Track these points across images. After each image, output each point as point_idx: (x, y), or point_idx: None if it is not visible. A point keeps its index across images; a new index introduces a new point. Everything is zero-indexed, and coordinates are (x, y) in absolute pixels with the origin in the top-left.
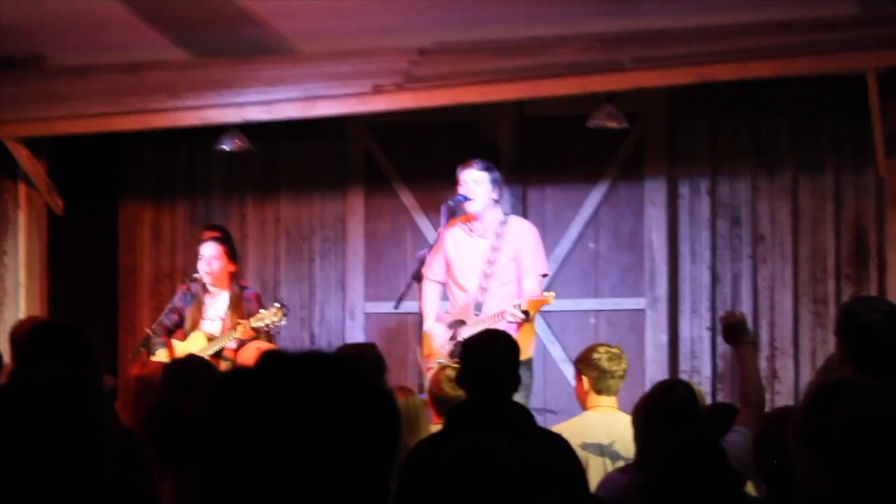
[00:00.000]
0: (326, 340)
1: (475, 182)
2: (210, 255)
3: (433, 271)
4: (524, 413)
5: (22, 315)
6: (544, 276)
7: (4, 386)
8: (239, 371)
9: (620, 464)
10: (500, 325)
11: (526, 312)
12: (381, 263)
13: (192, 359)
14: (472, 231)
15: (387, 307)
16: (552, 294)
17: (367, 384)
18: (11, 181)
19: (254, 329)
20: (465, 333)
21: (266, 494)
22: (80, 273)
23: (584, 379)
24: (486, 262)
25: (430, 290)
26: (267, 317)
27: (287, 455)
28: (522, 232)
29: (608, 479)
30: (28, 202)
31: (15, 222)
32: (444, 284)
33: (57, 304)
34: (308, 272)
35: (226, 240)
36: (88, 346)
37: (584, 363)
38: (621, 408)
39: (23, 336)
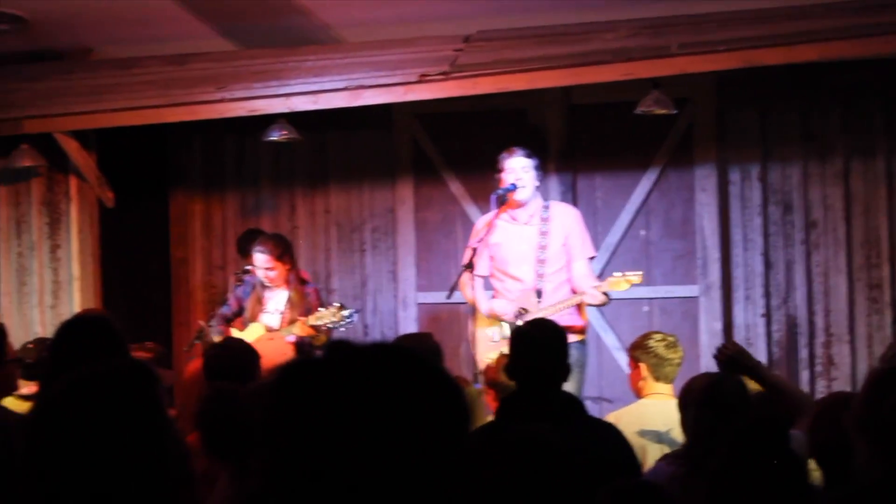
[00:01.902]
0: (380, 331)
1: (523, 169)
2: (262, 265)
3: (480, 268)
4: (575, 402)
5: (76, 308)
6: (593, 258)
7: (65, 381)
8: (307, 361)
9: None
10: (563, 312)
11: (607, 294)
12: (432, 253)
13: (231, 343)
14: (515, 220)
15: (438, 297)
16: (640, 273)
17: (436, 374)
18: (62, 174)
19: (312, 327)
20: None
21: (336, 486)
22: (132, 266)
23: (642, 366)
24: (538, 249)
25: (465, 280)
26: (325, 316)
27: (358, 446)
28: (568, 217)
29: (655, 470)
30: (79, 195)
31: (67, 215)
32: (485, 279)
33: (110, 296)
34: (359, 262)
35: (272, 245)
36: (119, 338)
37: (641, 350)
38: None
39: (56, 331)
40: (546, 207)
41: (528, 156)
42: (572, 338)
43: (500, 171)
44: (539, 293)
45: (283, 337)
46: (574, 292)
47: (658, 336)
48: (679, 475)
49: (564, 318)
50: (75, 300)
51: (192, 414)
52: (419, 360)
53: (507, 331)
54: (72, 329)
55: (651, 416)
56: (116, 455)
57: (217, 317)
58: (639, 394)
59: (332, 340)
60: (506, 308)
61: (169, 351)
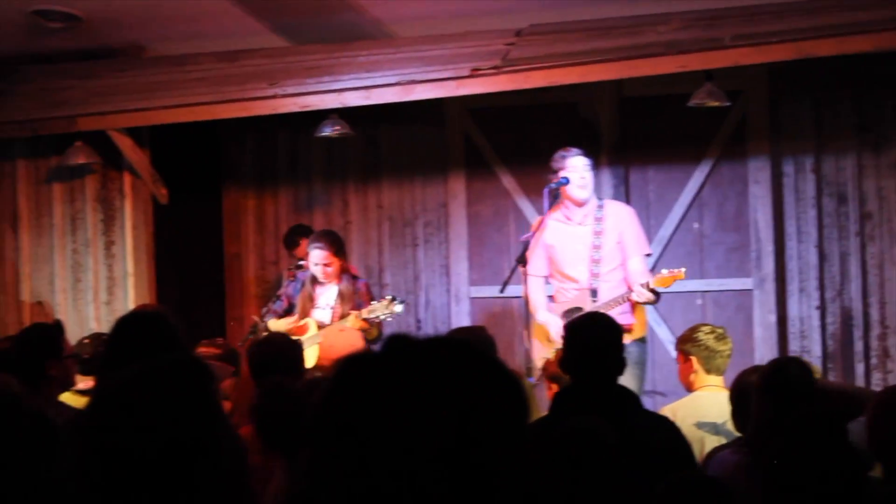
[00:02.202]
0: (432, 325)
1: (585, 167)
2: (320, 261)
3: (536, 267)
4: (629, 396)
5: (131, 304)
6: (648, 255)
7: (121, 376)
8: (365, 356)
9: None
10: (616, 310)
11: (654, 291)
12: (485, 247)
13: (274, 338)
14: (569, 219)
15: (491, 291)
16: (683, 269)
17: (497, 367)
18: (116, 171)
19: (364, 320)
20: None
21: (397, 480)
22: (185, 261)
23: (693, 360)
24: (593, 249)
25: (534, 284)
26: (378, 309)
27: (418, 440)
28: (622, 214)
29: (718, 460)
30: (133, 192)
31: (121, 212)
32: (545, 278)
33: (164, 292)
34: (412, 257)
35: (329, 241)
36: (175, 333)
37: (691, 344)
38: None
39: (112, 327)
40: (600, 206)
41: (585, 154)
42: (627, 336)
43: (556, 170)
44: (594, 293)
45: (355, 329)
46: (630, 290)
47: (707, 328)
48: (744, 463)
49: (618, 317)
50: (130, 296)
51: (248, 408)
52: (479, 354)
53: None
54: (128, 325)
55: (707, 408)
56: (171, 450)
57: (270, 313)
58: (690, 387)
59: (391, 335)
60: (555, 325)
61: None
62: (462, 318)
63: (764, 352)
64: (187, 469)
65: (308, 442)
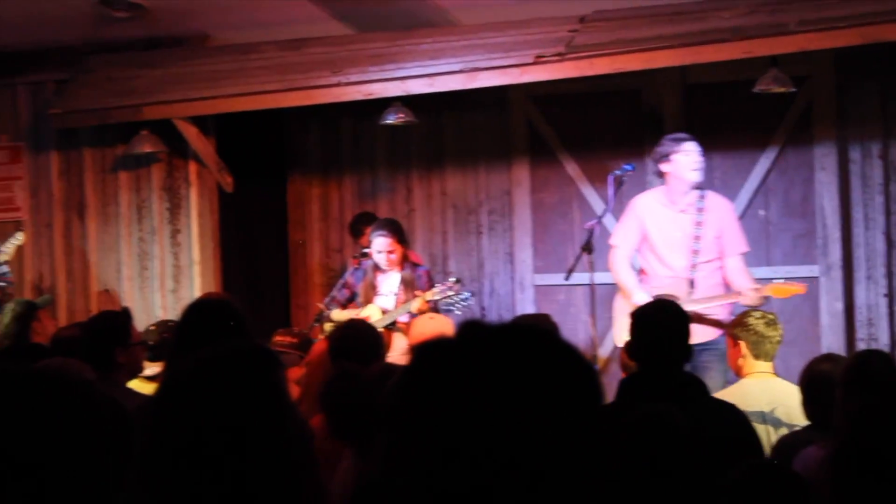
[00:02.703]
0: (496, 313)
1: (698, 151)
2: (384, 248)
3: (626, 241)
4: (696, 383)
5: (197, 292)
6: (744, 253)
7: (188, 363)
8: (441, 343)
9: (783, 430)
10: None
11: (766, 298)
12: (549, 235)
13: (355, 324)
14: (673, 204)
15: (556, 279)
16: (805, 285)
17: (571, 354)
18: (182, 160)
19: (429, 303)
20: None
21: (474, 467)
22: (250, 249)
23: (742, 344)
24: (693, 239)
25: (623, 260)
26: (444, 290)
27: (494, 427)
28: (725, 209)
29: (803, 457)
30: (199, 180)
31: (187, 200)
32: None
33: (230, 280)
34: (476, 245)
35: (392, 229)
36: (242, 320)
37: (740, 328)
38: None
39: (181, 314)
40: (702, 197)
41: (695, 140)
42: (715, 331)
43: (667, 154)
44: (691, 283)
45: (444, 315)
46: (727, 286)
47: (757, 314)
48: (830, 458)
49: (718, 313)
50: (195, 284)
51: (316, 395)
52: (554, 339)
53: None
54: (196, 312)
55: (754, 396)
56: (237, 436)
57: (333, 302)
58: (738, 372)
59: (465, 321)
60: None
61: None
62: (526, 305)
63: (831, 340)
64: (252, 455)
65: (384, 428)
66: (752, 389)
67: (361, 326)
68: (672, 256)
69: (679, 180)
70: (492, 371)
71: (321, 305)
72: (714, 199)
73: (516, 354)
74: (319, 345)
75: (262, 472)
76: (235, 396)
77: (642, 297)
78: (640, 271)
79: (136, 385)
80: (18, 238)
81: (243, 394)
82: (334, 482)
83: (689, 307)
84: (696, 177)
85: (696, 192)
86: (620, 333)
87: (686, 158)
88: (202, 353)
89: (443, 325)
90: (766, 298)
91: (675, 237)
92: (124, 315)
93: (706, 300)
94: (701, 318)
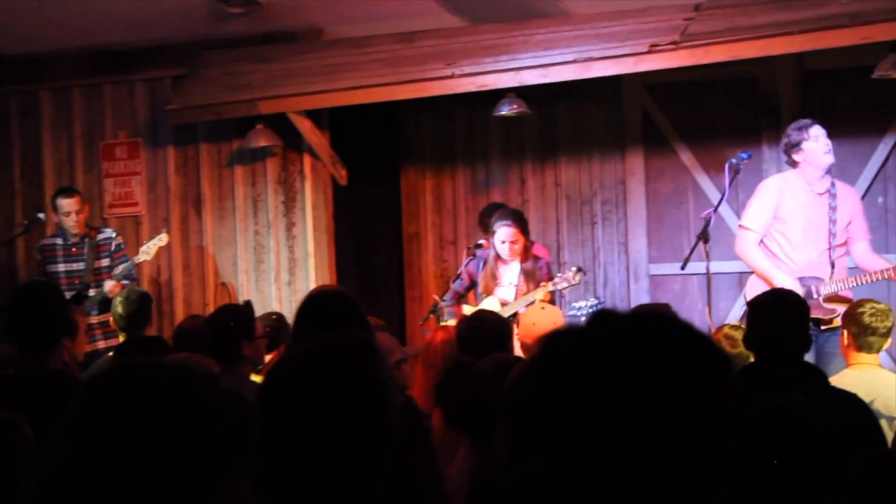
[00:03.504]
0: (611, 303)
1: (825, 135)
2: (508, 238)
3: (759, 223)
4: (816, 373)
5: (312, 285)
6: (869, 240)
7: (291, 353)
8: (573, 331)
9: (882, 423)
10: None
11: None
12: (664, 224)
13: (484, 315)
14: (811, 187)
15: (671, 268)
16: None
17: (703, 340)
18: (297, 153)
19: (551, 294)
20: (826, 290)
21: (605, 449)
22: (364, 242)
23: (845, 333)
24: (831, 223)
25: (755, 244)
26: (564, 281)
27: (630, 415)
28: (855, 196)
29: None
30: (313, 173)
31: (302, 193)
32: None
33: (344, 272)
34: (591, 235)
35: (516, 219)
36: (358, 312)
37: (848, 318)
38: None
39: (298, 306)
40: (833, 183)
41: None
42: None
43: (797, 141)
44: (831, 266)
45: (555, 306)
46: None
47: (868, 304)
48: None
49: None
50: (311, 277)
51: (432, 387)
52: (686, 327)
53: None
54: (312, 303)
55: (852, 387)
56: (339, 425)
57: (450, 293)
58: (847, 361)
59: (597, 310)
60: (794, 283)
61: (402, 325)
62: (641, 295)
63: None
64: (353, 444)
65: (507, 418)
66: (850, 380)
67: (490, 317)
68: (809, 239)
69: (813, 166)
70: (627, 358)
71: (437, 297)
72: (843, 187)
73: (650, 341)
74: (434, 335)
75: (364, 458)
76: (336, 384)
77: (785, 280)
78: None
79: (258, 378)
80: (162, 239)
81: (344, 382)
82: (450, 472)
83: (831, 288)
84: (829, 159)
85: (828, 178)
86: None
87: (815, 144)
88: (303, 344)
89: (554, 315)
90: None
91: (813, 219)
92: (248, 308)
93: (850, 280)
94: (842, 301)
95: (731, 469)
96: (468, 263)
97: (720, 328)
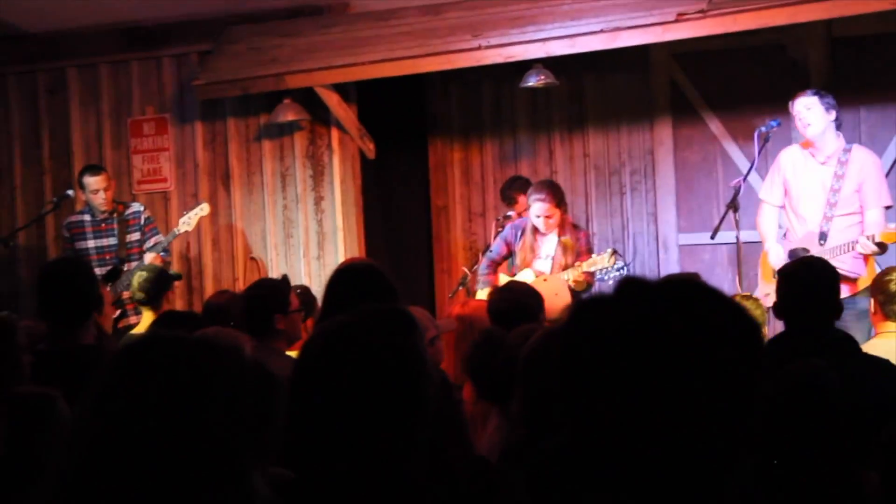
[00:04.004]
0: (641, 274)
1: (806, 108)
2: (543, 213)
3: (772, 195)
4: (847, 340)
5: (341, 258)
6: (888, 207)
7: (327, 326)
8: (600, 298)
9: None
10: (845, 258)
11: (880, 245)
12: (693, 194)
13: (515, 286)
14: (813, 157)
15: (700, 238)
16: None
17: (731, 304)
18: (324, 127)
19: (586, 273)
20: None
21: (635, 418)
22: (393, 215)
23: (872, 301)
24: (831, 191)
25: (768, 213)
26: (600, 262)
27: (662, 380)
28: (868, 162)
29: None
30: (341, 147)
31: (330, 167)
32: (781, 209)
33: (373, 246)
34: (619, 205)
35: (551, 193)
36: (390, 285)
37: (875, 286)
38: None
39: (328, 279)
40: (847, 150)
41: (815, 94)
42: (854, 286)
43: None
44: (823, 236)
45: (557, 277)
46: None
47: (894, 272)
48: None
49: (849, 265)
50: (340, 250)
51: (456, 357)
52: (713, 292)
53: None
54: (342, 276)
55: (882, 356)
56: (376, 399)
57: (485, 261)
58: (875, 329)
59: (624, 277)
60: (776, 254)
61: (432, 298)
62: (671, 265)
63: None
64: (390, 415)
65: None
66: (877, 349)
67: (520, 288)
68: (806, 208)
69: (806, 137)
70: (655, 325)
71: (466, 269)
72: (859, 152)
73: (679, 307)
74: (455, 309)
75: (399, 429)
76: (374, 357)
77: (773, 248)
78: (785, 231)
79: (294, 353)
80: (203, 209)
81: (382, 354)
82: (483, 442)
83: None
84: (804, 132)
85: (842, 146)
86: (762, 288)
87: (797, 118)
88: (344, 315)
89: (556, 287)
90: (882, 245)
91: (813, 189)
92: (284, 282)
93: (829, 251)
94: None
95: (759, 439)
96: (504, 233)
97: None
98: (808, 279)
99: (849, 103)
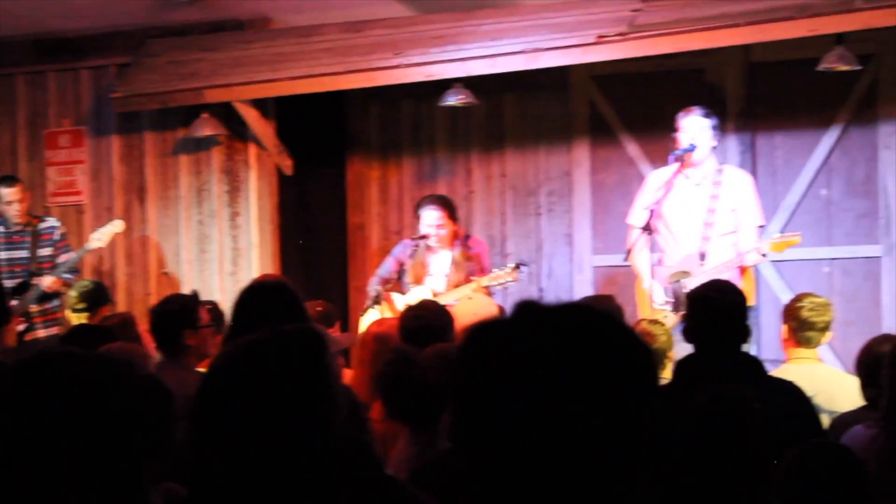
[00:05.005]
0: (555, 294)
1: (698, 129)
2: (434, 222)
3: (635, 216)
4: (754, 364)
5: (255, 275)
6: (761, 227)
7: (235, 345)
8: (494, 322)
9: (823, 417)
10: (727, 275)
11: (766, 255)
12: (609, 216)
13: (428, 305)
14: (687, 178)
15: (615, 260)
16: (799, 234)
17: (625, 332)
18: (242, 143)
19: (485, 287)
20: (690, 284)
21: (524, 443)
22: (309, 232)
23: (784, 328)
24: (707, 212)
25: (638, 242)
26: (501, 276)
27: (547, 404)
28: (741, 182)
29: (851, 435)
30: (258, 163)
31: (246, 183)
32: (647, 231)
33: (288, 262)
34: (535, 226)
35: (442, 203)
36: (298, 303)
37: (786, 312)
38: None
39: (237, 296)
40: (719, 171)
41: (706, 115)
42: None
43: (676, 130)
44: (702, 256)
45: (482, 297)
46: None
47: (807, 298)
48: (878, 438)
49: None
50: (254, 267)
51: (371, 377)
52: (608, 318)
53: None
54: (252, 293)
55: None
56: (281, 418)
57: (376, 278)
58: (786, 356)
59: (520, 301)
60: (658, 294)
61: (346, 315)
62: (585, 286)
63: (892, 320)
64: (296, 436)
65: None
66: (792, 375)
67: (434, 308)
68: (683, 229)
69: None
70: (546, 349)
71: (379, 287)
72: (731, 173)
73: (570, 333)
74: (379, 326)
75: (302, 451)
76: (278, 378)
77: (650, 284)
78: (660, 256)
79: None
80: (116, 225)
81: (286, 376)
82: (391, 462)
83: (700, 279)
84: (695, 154)
85: (715, 166)
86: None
87: (682, 136)
88: (251, 335)
89: (482, 307)
90: (767, 255)
91: (686, 210)
92: (193, 298)
93: (713, 270)
94: None
95: (661, 460)
96: (396, 250)
97: (638, 322)
98: (717, 303)
99: (765, 128)
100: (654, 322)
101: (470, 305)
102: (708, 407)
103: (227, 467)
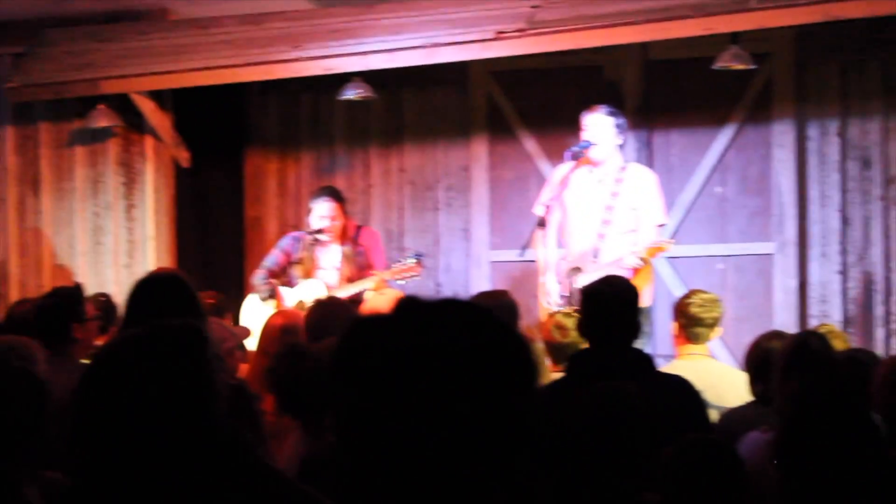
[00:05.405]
0: (452, 289)
1: (600, 126)
2: (326, 213)
3: (539, 207)
4: (646, 359)
5: (151, 267)
6: (661, 226)
7: (116, 339)
8: (374, 317)
9: (712, 412)
10: (618, 272)
11: (643, 259)
12: (506, 211)
13: (333, 301)
14: (589, 174)
15: (512, 255)
16: (671, 241)
17: (504, 329)
18: (138, 134)
19: (386, 281)
20: (582, 281)
21: (400, 439)
22: (206, 225)
23: (674, 325)
24: (605, 209)
25: (540, 236)
26: (404, 269)
27: (423, 400)
28: (643, 180)
29: (748, 440)
30: (155, 155)
31: (142, 175)
32: (541, 226)
33: (185, 256)
34: (433, 221)
35: (334, 196)
36: (192, 296)
37: (676, 309)
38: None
39: (130, 289)
40: (623, 169)
41: (610, 113)
42: None
43: (580, 128)
44: (596, 253)
45: (393, 289)
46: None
47: (697, 295)
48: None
49: None
50: (150, 259)
51: (264, 371)
52: (487, 315)
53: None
54: (145, 286)
55: None
56: (159, 411)
57: (262, 270)
58: (676, 352)
59: (403, 297)
60: (553, 289)
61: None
62: (482, 282)
63: (784, 317)
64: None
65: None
66: (682, 371)
67: (336, 303)
68: (581, 225)
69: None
70: (422, 345)
71: (274, 281)
72: (635, 171)
73: (447, 328)
74: (278, 318)
75: (187, 445)
76: (157, 374)
77: (548, 280)
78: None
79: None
80: None
81: (166, 371)
82: (280, 456)
83: (590, 275)
84: (592, 151)
85: (618, 164)
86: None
87: (585, 134)
88: (135, 329)
89: (389, 301)
90: (646, 260)
91: (586, 207)
92: (78, 291)
93: (597, 269)
94: None
95: (548, 453)
96: (283, 243)
97: (552, 315)
98: (610, 298)
99: (661, 126)
100: (568, 315)
101: (383, 300)
102: (591, 402)
103: (108, 458)
